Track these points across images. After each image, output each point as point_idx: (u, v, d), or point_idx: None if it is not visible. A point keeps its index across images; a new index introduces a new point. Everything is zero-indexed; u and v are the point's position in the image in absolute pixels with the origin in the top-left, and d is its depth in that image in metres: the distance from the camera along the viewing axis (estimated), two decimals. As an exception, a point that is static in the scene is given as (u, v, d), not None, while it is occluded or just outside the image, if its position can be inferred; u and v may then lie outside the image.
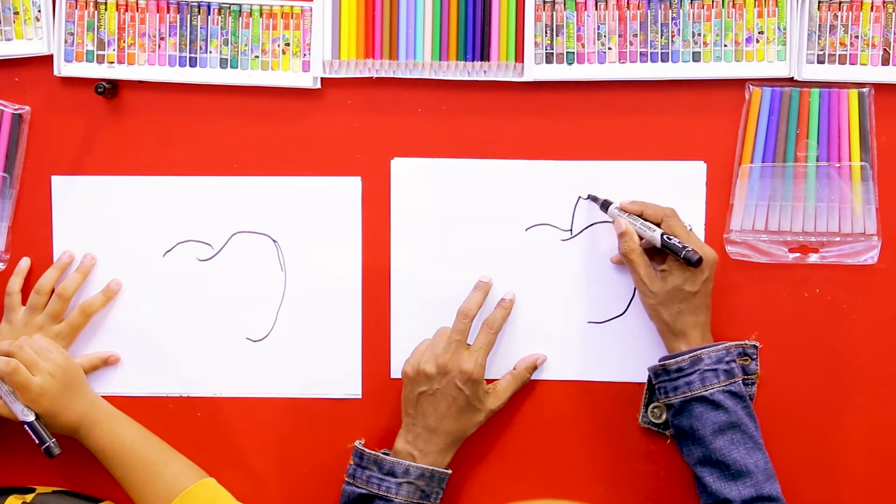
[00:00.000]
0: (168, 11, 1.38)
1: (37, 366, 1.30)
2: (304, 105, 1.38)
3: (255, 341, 1.40)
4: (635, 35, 1.35)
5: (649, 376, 1.34)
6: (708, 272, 1.29)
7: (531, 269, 1.38)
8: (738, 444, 1.26)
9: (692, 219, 1.36)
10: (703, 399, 1.27)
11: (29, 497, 1.30)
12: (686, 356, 1.28)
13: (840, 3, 1.34)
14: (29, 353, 1.30)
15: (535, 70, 1.36)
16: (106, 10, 1.38)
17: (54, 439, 1.29)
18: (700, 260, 1.27)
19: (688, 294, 1.29)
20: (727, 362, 1.29)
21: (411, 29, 1.37)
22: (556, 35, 1.36)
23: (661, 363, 1.30)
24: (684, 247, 1.27)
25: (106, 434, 1.33)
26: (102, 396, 1.39)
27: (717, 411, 1.27)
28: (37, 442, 1.29)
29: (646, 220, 1.32)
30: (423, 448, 1.32)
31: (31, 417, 1.29)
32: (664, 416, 1.35)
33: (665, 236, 1.29)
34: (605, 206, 1.34)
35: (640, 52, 1.36)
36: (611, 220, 1.34)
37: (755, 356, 1.35)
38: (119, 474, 1.33)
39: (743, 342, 1.34)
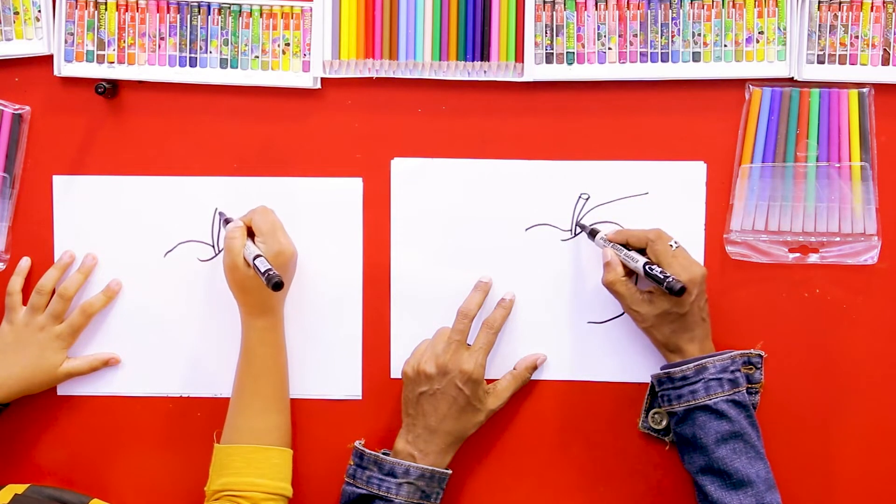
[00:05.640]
0: (168, 11, 1.38)
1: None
2: (304, 105, 1.38)
3: (256, 341, 1.40)
4: (635, 35, 1.35)
5: (652, 383, 1.33)
6: (696, 292, 1.27)
7: (531, 269, 1.38)
8: (741, 453, 1.26)
9: (692, 219, 1.36)
10: (706, 408, 1.27)
11: (21, 489, 1.30)
12: (691, 364, 1.28)
13: (840, 3, 1.34)
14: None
15: (535, 70, 1.36)
16: (106, 10, 1.38)
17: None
18: (682, 289, 1.23)
19: (678, 315, 1.28)
20: (732, 371, 1.28)
21: (411, 29, 1.37)
22: (556, 35, 1.36)
23: (666, 371, 1.29)
24: (666, 277, 1.25)
25: (272, 340, 1.33)
26: (102, 396, 1.40)
27: (721, 420, 1.26)
28: (263, 272, 1.23)
29: (631, 247, 1.31)
30: (424, 448, 1.32)
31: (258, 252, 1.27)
32: (664, 423, 1.35)
33: (647, 266, 1.28)
34: (592, 234, 1.35)
35: (640, 52, 1.35)
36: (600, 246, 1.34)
37: (760, 365, 1.34)
38: (242, 372, 1.33)
39: (748, 351, 1.33)
